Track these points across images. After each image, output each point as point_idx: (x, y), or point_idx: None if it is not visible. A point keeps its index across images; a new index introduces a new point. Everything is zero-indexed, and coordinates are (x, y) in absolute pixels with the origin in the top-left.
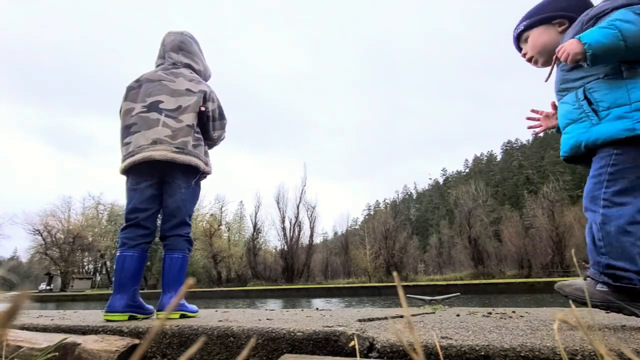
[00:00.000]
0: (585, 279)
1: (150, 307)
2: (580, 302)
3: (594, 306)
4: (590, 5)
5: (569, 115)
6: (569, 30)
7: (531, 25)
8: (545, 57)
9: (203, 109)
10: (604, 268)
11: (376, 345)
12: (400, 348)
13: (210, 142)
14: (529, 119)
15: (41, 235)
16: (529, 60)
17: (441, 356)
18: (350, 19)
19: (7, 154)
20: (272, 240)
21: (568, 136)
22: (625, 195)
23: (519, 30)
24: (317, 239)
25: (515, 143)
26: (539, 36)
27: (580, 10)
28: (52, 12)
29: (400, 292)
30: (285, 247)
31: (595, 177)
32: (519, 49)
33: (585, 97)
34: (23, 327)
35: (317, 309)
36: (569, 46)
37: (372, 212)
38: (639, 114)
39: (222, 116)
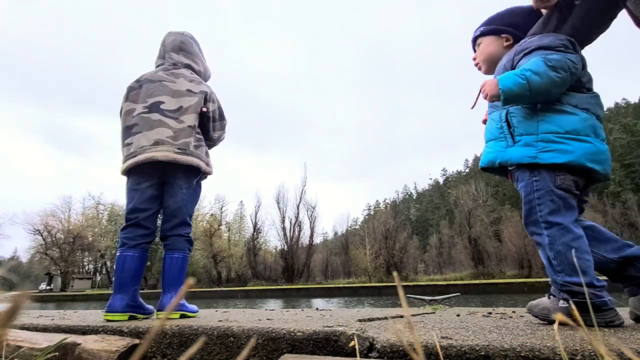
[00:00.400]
0: (549, 297)
1: (150, 307)
2: (549, 321)
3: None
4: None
5: (492, 131)
6: (505, 56)
7: (484, 33)
8: (488, 65)
9: (204, 110)
10: (561, 286)
11: (376, 345)
12: (401, 348)
13: (210, 142)
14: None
15: (41, 235)
16: (476, 65)
17: (441, 356)
18: (350, 18)
19: (7, 154)
20: (272, 240)
21: (488, 150)
22: (556, 215)
23: (475, 35)
24: (317, 239)
25: None
26: (487, 45)
27: (525, 30)
28: (52, 12)
29: (400, 292)
30: (286, 247)
31: (527, 203)
32: (475, 51)
33: (507, 120)
34: (23, 327)
35: (317, 309)
36: (489, 87)
37: (372, 212)
38: (542, 144)
39: (222, 117)
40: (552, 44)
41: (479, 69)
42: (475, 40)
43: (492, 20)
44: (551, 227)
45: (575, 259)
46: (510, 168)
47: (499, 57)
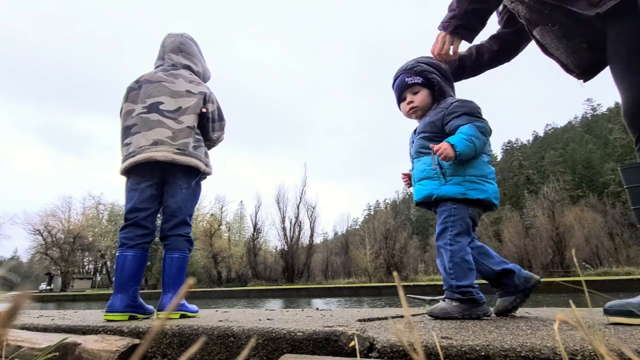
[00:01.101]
0: (444, 300)
1: (151, 307)
2: (448, 318)
3: (452, 317)
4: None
5: (425, 172)
6: (432, 113)
7: (422, 84)
8: (422, 113)
9: (204, 110)
10: (456, 289)
11: (376, 346)
12: (401, 348)
13: (209, 142)
14: (403, 178)
15: (41, 235)
16: (412, 109)
17: (441, 356)
18: (348, 18)
19: (8, 154)
20: (273, 240)
21: (423, 187)
22: (460, 237)
23: (414, 82)
24: (318, 239)
25: (515, 143)
26: (426, 97)
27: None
28: (51, 12)
29: (401, 292)
30: (286, 247)
31: (443, 224)
32: (403, 92)
33: (438, 163)
34: (23, 327)
35: (317, 309)
36: (446, 150)
37: (372, 212)
38: (468, 184)
39: (221, 117)
40: (472, 112)
41: (414, 113)
42: (410, 85)
43: (423, 74)
44: (454, 244)
45: (465, 269)
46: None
47: (430, 107)
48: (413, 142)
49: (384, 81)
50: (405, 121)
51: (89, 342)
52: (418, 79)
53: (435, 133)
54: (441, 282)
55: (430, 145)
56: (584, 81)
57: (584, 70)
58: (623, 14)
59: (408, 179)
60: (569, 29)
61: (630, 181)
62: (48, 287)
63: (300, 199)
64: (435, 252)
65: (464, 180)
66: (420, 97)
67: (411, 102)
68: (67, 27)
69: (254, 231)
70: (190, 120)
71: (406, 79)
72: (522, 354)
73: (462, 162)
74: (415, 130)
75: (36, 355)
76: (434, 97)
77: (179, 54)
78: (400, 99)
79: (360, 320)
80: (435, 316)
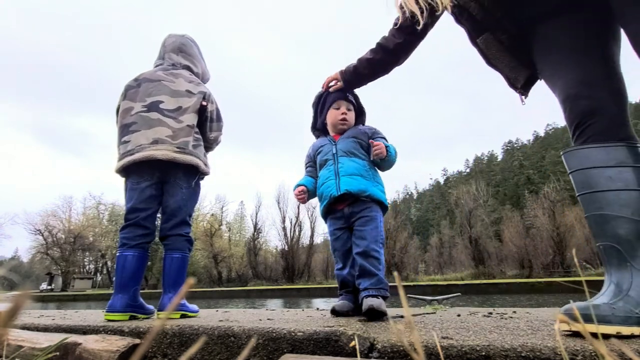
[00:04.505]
0: (377, 297)
1: (151, 307)
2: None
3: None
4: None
5: (361, 170)
6: (362, 130)
7: (354, 105)
8: (347, 128)
9: (204, 104)
10: (386, 285)
11: (377, 346)
12: (401, 348)
13: (207, 144)
14: (300, 195)
15: (42, 235)
16: (345, 121)
17: (442, 356)
18: (349, 18)
19: (8, 154)
20: (273, 240)
21: (357, 182)
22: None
23: (351, 100)
24: (318, 239)
25: (516, 143)
26: (353, 119)
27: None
28: (49, 11)
29: (401, 292)
30: (286, 247)
31: (375, 228)
32: (339, 100)
33: (370, 169)
34: (24, 327)
35: (317, 308)
36: (382, 148)
37: None
38: (384, 194)
39: (219, 118)
40: (384, 136)
41: (344, 124)
42: (349, 98)
43: (357, 99)
44: (383, 247)
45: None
46: (364, 198)
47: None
48: (335, 144)
49: (383, 81)
50: (404, 122)
51: (90, 342)
52: (353, 101)
53: (365, 141)
54: (441, 283)
55: (370, 141)
56: (525, 98)
57: (523, 87)
58: (560, 13)
59: (305, 195)
60: (515, 40)
61: (572, 167)
62: (49, 287)
63: None
64: (362, 252)
65: (383, 190)
66: (351, 116)
67: (345, 114)
68: (66, 26)
69: (255, 231)
70: (190, 119)
71: (348, 94)
72: (522, 354)
73: (377, 173)
74: (329, 138)
75: (37, 355)
76: (356, 122)
77: (179, 54)
78: (332, 106)
79: (360, 320)
80: (384, 312)
